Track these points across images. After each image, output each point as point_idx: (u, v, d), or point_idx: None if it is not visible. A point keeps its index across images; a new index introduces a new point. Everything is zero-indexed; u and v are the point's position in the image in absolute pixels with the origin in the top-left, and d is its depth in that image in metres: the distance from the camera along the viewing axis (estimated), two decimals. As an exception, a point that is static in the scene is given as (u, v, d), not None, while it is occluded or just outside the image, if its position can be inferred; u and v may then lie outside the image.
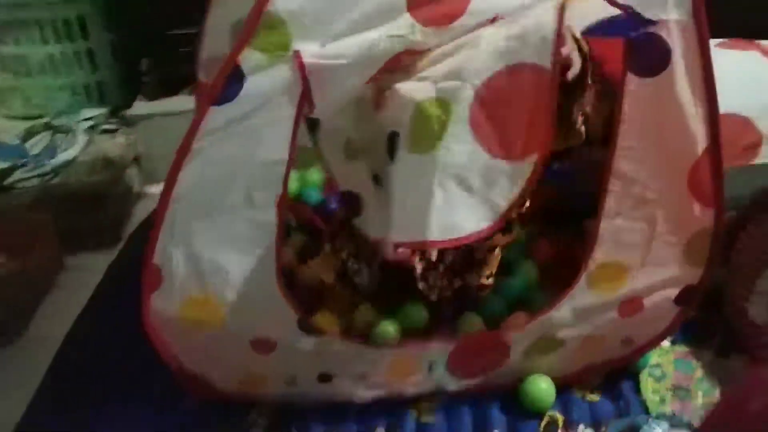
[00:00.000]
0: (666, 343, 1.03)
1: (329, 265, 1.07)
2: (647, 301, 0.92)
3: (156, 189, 1.68)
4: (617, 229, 0.87)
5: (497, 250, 1.06)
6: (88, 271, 1.35)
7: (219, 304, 0.85)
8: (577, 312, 0.92)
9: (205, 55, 1.18)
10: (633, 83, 0.80)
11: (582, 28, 0.90)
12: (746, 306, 0.99)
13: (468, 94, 0.76)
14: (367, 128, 0.97)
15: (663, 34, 0.77)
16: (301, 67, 0.74)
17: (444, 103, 0.77)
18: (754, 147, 0.99)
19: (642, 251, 0.88)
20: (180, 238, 0.80)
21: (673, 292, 0.91)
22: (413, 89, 0.79)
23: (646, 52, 0.78)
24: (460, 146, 0.77)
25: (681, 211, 0.85)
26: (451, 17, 0.76)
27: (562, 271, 1.13)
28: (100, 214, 1.53)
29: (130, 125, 1.70)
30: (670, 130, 0.82)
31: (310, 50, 0.73)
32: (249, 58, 0.72)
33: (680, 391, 0.96)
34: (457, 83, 0.77)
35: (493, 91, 0.76)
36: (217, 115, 0.74)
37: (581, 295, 0.91)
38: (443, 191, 0.78)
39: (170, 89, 1.69)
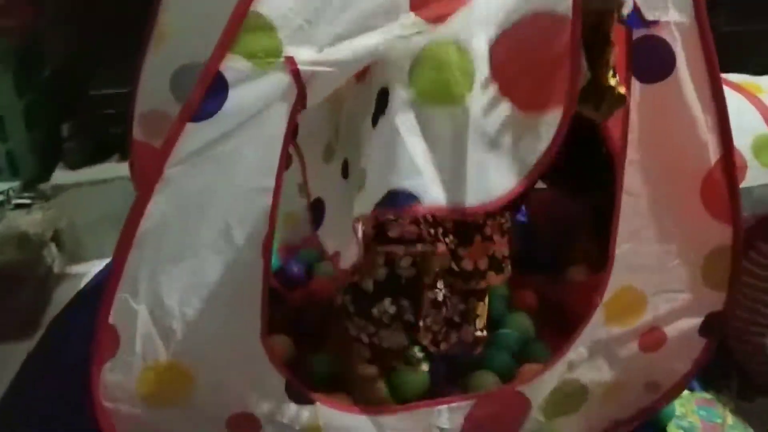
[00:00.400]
0: (685, 392, 0.95)
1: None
2: (670, 332, 0.84)
3: (81, 268, 1.48)
4: (631, 252, 0.80)
5: (486, 300, 0.97)
6: (1, 364, 1.13)
7: (189, 371, 0.70)
8: (594, 349, 0.83)
9: (143, 109, 1.04)
10: (638, 90, 0.75)
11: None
12: (764, 341, 0.94)
13: (484, 43, 0.67)
14: (346, 106, 0.86)
15: (666, 36, 0.74)
16: (296, 74, 0.64)
17: (461, 49, 0.67)
18: (741, 170, 0.96)
19: (659, 274, 0.82)
20: (146, 290, 0.66)
21: (696, 321, 0.84)
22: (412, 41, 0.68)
23: (650, 56, 0.74)
24: (486, 99, 0.67)
25: (696, 227, 0.80)
26: None
27: (551, 319, 1.08)
28: (15, 298, 1.32)
29: (48, 198, 1.52)
30: (679, 139, 0.77)
31: (304, 56, 0.64)
32: (233, 65, 0.62)
33: (715, 442, 0.88)
34: (469, 28, 0.67)
35: (511, 43, 0.67)
36: (195, 133, 0.62)
37: (598, 330, 0.83)
38: (475, 150, 0.66)
39: (97, 156, 1.53)
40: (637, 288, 0.82)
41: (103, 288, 0.65)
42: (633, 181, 0.78)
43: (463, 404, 0.83)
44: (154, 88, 1.00)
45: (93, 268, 1.43)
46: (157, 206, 0.63)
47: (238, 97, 0.62)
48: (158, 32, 0.97)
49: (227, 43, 0.61)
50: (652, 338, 0.85)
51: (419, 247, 0.84)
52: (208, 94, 0.61)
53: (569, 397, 0.85)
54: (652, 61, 0.74)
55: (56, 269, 1.48)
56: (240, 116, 0.63)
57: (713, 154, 0.77)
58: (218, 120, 0.62)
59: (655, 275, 0.82)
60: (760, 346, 0.95)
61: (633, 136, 0.77)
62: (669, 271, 0.82)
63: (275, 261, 1.29)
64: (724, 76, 1.13)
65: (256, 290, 0.70)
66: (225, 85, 0.62)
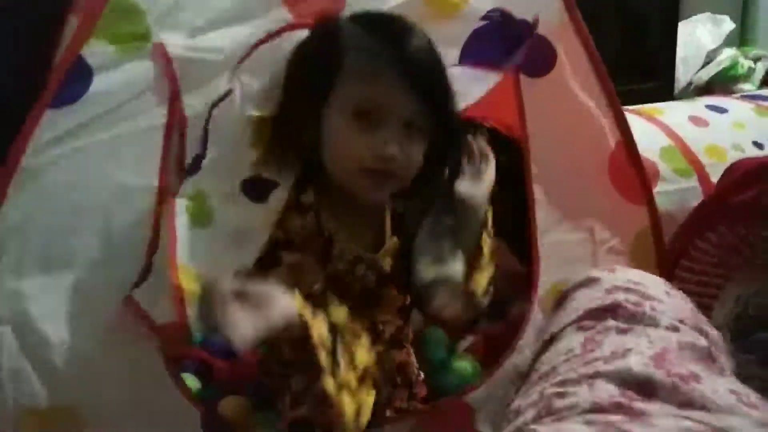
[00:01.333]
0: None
1: None
2: None
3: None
4: (556, 244, 0.78)
5: None
6: None
7: (80, 415, 0.61)
8: None
9: None
10: (527, 84, 0.76)
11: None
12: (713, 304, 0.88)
13: None
14: None
15: (546, 34, 0.74)
16: (168, 61, 0.61)
17: None
18: (654, 177, 0.97)
19: (589, 264, 0.78)
20: (8, 308, 0.58)
21: None
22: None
23: (532, 53, 0.74)
24: None
25: (613, 212, 0.79)
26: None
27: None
28: None
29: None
30: (577, 127, 0.77)
31: (175, 41, 0.61)
32: (97, 50, 0.59)
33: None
34: None
35: None
36: (55, 120, 0.58)
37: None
38: None
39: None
40: (570, 280, 0.78)
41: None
42: (542, 170, 0.77)
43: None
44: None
45: None
46: (17, 203, 0.57)
47: (104, 83, 0.59)
48: None
49: (89, 25, 0.59)
50: None
51: None
52: (70, 79, 0.58)
53: None
54: (534, 57, 0.74)
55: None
56: (107, 102, 0.59)
57: (612, 137, 0.78)
58: (83, 106, 0.58)
59: (585, 265, 0.78)
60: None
61: (530, 128, 0.76)
62: (598, 260, 0.79)
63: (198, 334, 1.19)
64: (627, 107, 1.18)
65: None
66: (89, 71, 0.58)
